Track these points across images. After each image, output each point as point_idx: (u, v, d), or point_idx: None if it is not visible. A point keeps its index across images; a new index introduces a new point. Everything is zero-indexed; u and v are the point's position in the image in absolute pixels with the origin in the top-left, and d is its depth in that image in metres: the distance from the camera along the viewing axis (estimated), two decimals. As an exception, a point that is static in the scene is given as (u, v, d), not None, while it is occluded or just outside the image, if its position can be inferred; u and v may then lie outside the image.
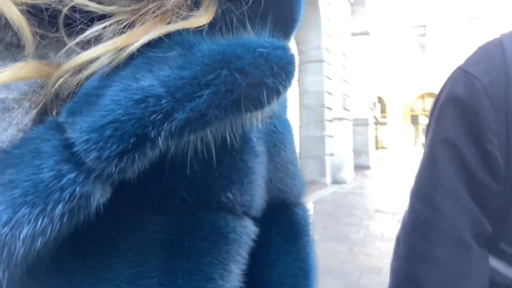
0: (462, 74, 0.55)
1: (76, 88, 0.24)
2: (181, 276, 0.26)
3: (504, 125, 0.49)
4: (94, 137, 0.20)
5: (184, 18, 0.25)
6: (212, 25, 0.26)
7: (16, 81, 0.24)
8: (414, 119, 22.23)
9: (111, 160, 0.21)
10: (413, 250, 0.55)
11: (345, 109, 9.87)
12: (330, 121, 8.90)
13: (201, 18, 0.25)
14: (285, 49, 0.24)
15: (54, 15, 0.25)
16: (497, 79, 0.50)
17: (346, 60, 10.34)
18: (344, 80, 10.02)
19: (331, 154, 8.84)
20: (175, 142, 0.22)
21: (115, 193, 0.22)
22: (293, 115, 7.78)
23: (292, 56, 0.24)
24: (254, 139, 0.30)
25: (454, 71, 0.58)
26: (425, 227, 0.53)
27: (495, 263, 0.50)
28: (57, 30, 0.25)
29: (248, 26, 0.26)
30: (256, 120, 0.26)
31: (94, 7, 0.25)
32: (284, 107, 0.36)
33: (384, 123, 21.70)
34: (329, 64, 8.94)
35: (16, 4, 0.24)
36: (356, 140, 11.67)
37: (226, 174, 0.28)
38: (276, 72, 0.23)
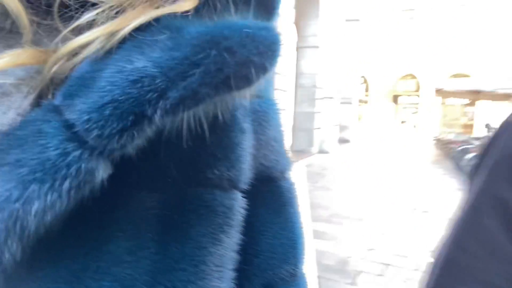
0: None
1: (69, 73, 0.25)
2: (174, 246, 0.27)
3: None
4: (95, 116, 0.22)
5: (171, 2, 0.26)
6: (197, 9, 0.27)
7: (14, 67, 0.25)
8: (396, 99, 23.83)
9: (112, 137, 0.22)
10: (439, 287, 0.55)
11: (333, 89, 11.25)
12: (321, 99, 10.14)
13: (188, 2, 0.26)
14: (269, 29, 0.25)
15: (49, 3, 0.26)
16: None
17: (338, 45, 11.47)
18: (334, 63, 11.25)
19: (319, 128, 10.14)
20: (170, 120, 0.24)
21: (114, 173, 0.24)
22: (290, 94, 8.73)
23: (276, 35, 0.25)
24: (240, 116, 0.31)
25: (509, 122, 0.55)
26: (455, 268, 0.54)
27: None
28: (52, 17, 0.26)
29: (232, 10, 0.27)
30: (244, 98, 0.28)
31: None
32: (270, 88, 0.38)
33: (366, 102, 23.24)
34: (324, 49, 10.01)
35: None
36: (341, 116, 13.30)
37: (212, 152, 0.29)
38: (262, 50, 0.24)
